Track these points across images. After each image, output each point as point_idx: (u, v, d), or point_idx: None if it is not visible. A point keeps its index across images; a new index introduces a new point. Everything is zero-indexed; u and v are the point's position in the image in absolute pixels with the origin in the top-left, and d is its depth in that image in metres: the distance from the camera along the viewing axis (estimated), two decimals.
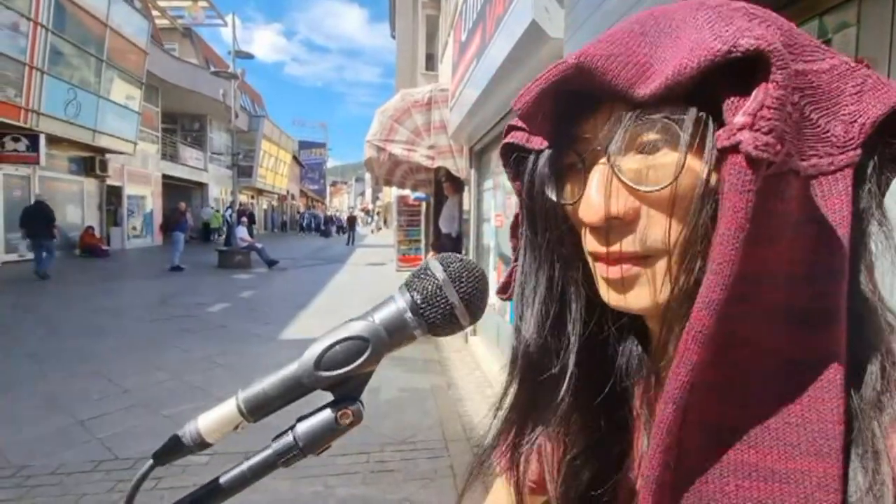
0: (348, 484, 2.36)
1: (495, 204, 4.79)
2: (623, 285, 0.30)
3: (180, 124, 21.32)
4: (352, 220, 24.32)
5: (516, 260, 0.39)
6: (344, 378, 0.28)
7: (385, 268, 11.80)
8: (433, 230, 8.68)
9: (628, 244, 0.29)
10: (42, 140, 10.32)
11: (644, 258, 0.29)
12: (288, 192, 36.31)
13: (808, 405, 0.25)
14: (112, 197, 14.62)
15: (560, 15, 2.87)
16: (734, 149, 0.24)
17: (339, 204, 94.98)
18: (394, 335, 0.29)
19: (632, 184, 0.28)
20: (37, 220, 8.98)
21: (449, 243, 7.33)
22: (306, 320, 5.97)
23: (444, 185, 7.59)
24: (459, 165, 7.06)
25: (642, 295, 0.30)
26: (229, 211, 13.41)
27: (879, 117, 0.26)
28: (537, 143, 0.34)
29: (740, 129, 0.24)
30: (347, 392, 0.29)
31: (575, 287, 0.36)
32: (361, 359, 0.28)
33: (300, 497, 2.20)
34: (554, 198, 0.33)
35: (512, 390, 0.38)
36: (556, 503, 0.41)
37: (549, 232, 0.35)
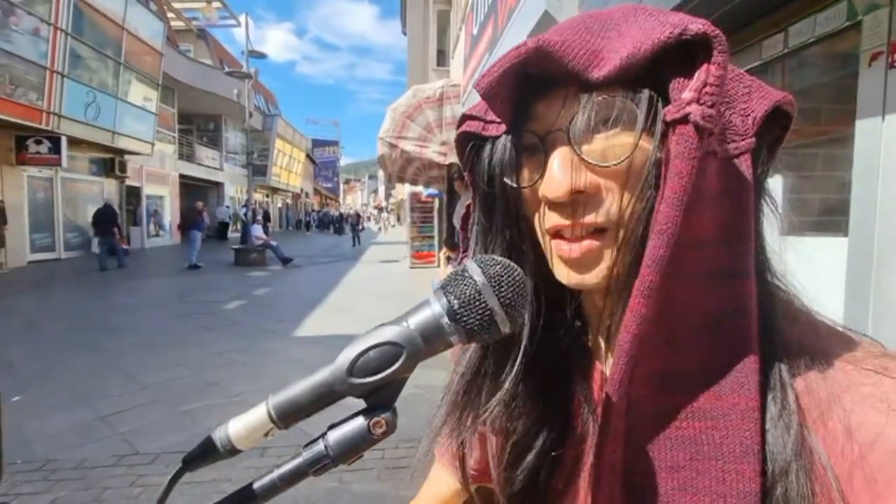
0: (363, 480, 2.38)
1: None
2: (581, 262, 0.33)
3: (196, 124, 21.63)
4: (357, 218, 22.06)
5: (465, 250, 0.40)
6: (377, 385, 0.27)
7: (398, 265, 11.83)
8: (446, 226, 8.67)
9: (590, 217, 0.31)
10: (64, 142, 10.55)
11: (601, 232, 0.32)
12: (302, 190, 36.65)
13: (730, 350, 0.29)
14: (131, 197, 14.93)
15: (573, 4, 2.83)
16: (682, 120, 0.27)
17: (353, 201, 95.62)
18: (429, 341, 0.27)
19: (591, 160, 0.31)
20: (103, 221, 10.05)
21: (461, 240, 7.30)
22: (320, 317, 6.01)
23: (457, 182, 7.54)
24: None
25: (599, 270, 0.32)
26: (244, 209, 13.61)
27: (766, 112, 0.31)
28: (493, 129, 0.36)
29: (688, 104, 0.27)
30: (380, 400, 0.28)
31: (530, 271, 0.38)
32: (396, 365, 0.27)
33: (315, 493, 2.22)
34: (511, 182, 0.35)
35: (458, 378, 0.40)
36: (500, 485, 0.42)
37: (503, 219, 0.37)
